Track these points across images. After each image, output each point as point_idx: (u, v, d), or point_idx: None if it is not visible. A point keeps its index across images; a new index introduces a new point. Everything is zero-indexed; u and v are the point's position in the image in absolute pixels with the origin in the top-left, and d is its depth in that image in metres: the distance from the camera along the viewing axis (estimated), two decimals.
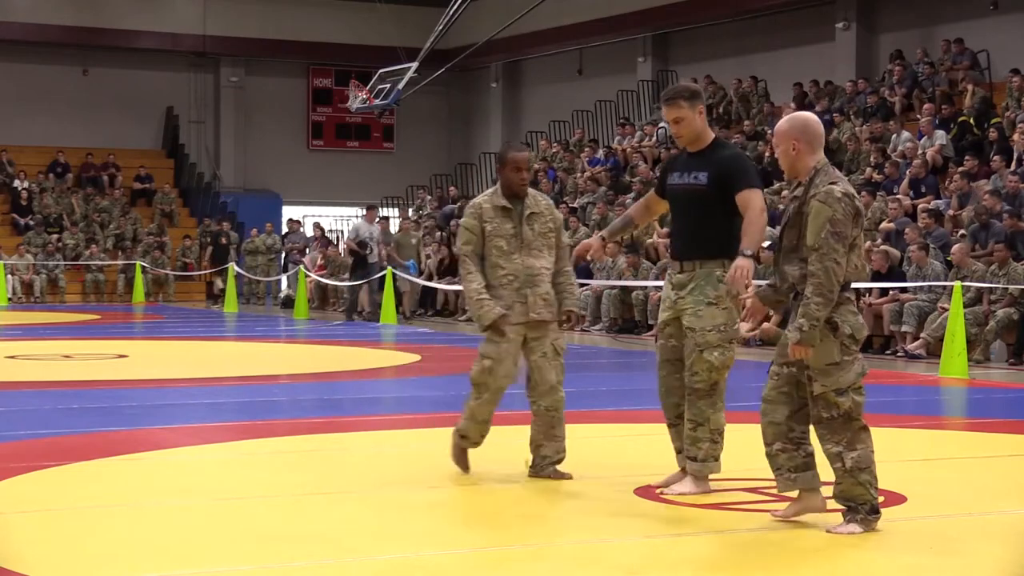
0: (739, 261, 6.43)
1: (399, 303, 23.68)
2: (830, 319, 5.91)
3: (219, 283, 29.61)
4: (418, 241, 24.75)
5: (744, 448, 7.49)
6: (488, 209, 7.22)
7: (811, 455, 6.10)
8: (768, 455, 6.13)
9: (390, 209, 32.11)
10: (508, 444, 8.67)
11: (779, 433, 6.07)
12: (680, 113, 6.85)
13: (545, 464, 7.26)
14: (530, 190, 7.34)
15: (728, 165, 6.78)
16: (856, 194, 6.04)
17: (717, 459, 6.75)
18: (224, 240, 30.24)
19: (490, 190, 7.39)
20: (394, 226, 27.25)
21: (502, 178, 7.29)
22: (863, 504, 5.94)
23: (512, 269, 7.17)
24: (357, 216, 34.74)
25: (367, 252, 23.32)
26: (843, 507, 6.00)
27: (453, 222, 27.51)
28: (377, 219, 24.67)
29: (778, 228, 6.28)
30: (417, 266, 24.18)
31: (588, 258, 7.38)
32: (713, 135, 6.99)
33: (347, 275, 24.93)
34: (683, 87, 7.03)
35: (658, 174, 7.37)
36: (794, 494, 6.19)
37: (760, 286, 6.28)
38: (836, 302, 5.90)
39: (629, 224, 7.40)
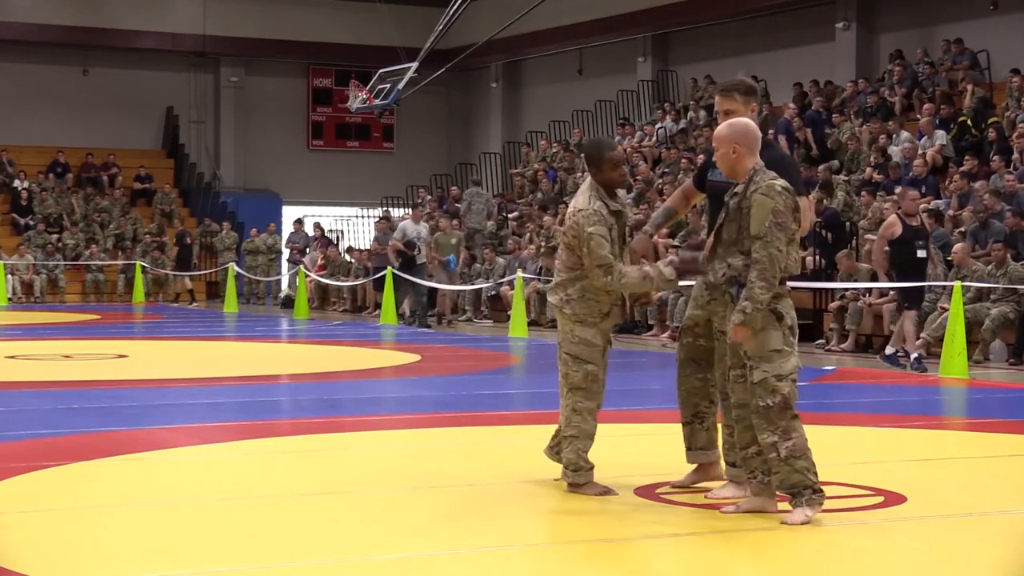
0: None
1: (432, 305, 23.08)
2: (775, 309, 6.15)
3: (187, 283, 29.86)
4: (458, 241, 23.85)
5: None
6: (606, 215, 6.81)
7: None
8: (743, 457, 6.36)
9: (390, 209, 32.07)
10: (508, 444, 8.67)
11: (756, 437, 6.24)
12: (732, 106, 6.76)
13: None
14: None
15: (771, 167, 6.53)
16: (793, 190, 6.29)
17: None
18: (188, 240, 30.38)
19: (589, 192, 6.89)
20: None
21: (602, 178, 6.89)
22: (805, 488, 6.10)
23: None
24: (358, 216, 34.76)
25: (415, 253, 22.23)
26: (787, 496, 6.15)
27: (454, 221, 27.43)
28: (423, 218, 23.41)
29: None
30: (457, 264, 23.32)
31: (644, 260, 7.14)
32: (760, 134, 6.87)
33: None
34: (740, 81, 6.93)
35: (699, 164, 7.30)
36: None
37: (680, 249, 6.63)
38: (778, 294, 6.15)
39: (671, 215, 7.29)
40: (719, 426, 6.86)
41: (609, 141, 7.38)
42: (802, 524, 6.04)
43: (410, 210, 25.77)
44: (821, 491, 6.15)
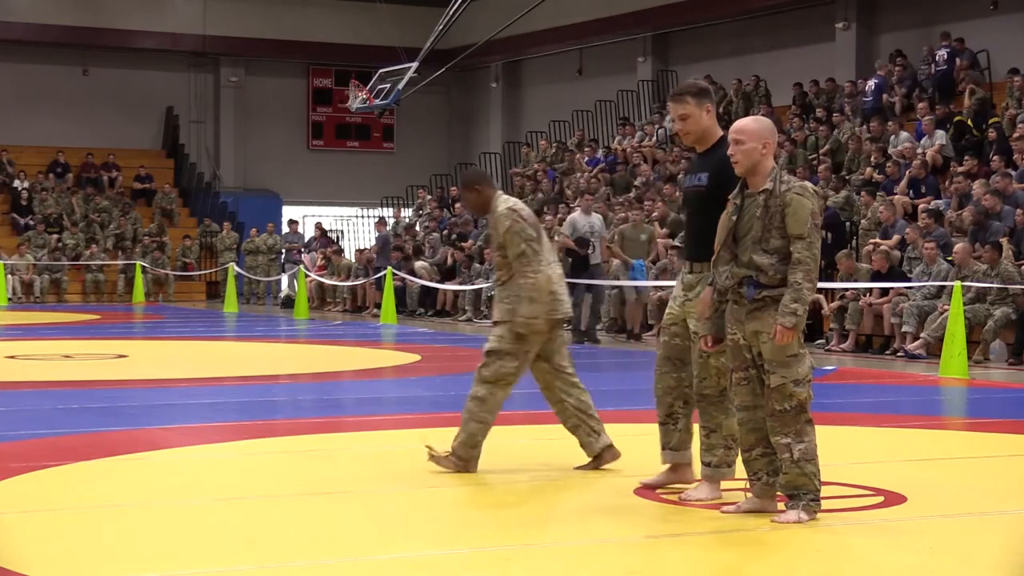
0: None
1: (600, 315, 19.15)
2: None
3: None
4: (649, 237, 19.47)
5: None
6: None
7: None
8: (746, 460, 6.33)
9: (389, 209, 32.09)
10: (508, 444, 8.67)
11: (760, 439, 6.25)
12: (686, 110, 6.79)
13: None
14: (499, 203, 7.54)
15: (724, 165, 6.71)
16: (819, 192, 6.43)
17: (731, 465, 6.71)
18: None
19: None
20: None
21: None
22: (806, 493, 6.12)
23: None
24: (358, 216, 34.76)
25: (589, 251, 18.25)
26: (786, 496, 6.17)
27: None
28: (594, 210, 19.36)
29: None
30: (646, 269, 19.12)
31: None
32: (720, 133, 6.88)
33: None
34: (691, 84, 7.02)
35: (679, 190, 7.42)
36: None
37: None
38: None
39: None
40: (696, 427, 6.88)
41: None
42: (795, 522, 6.05)
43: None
44: (819, 500, 6.16)
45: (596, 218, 18.72)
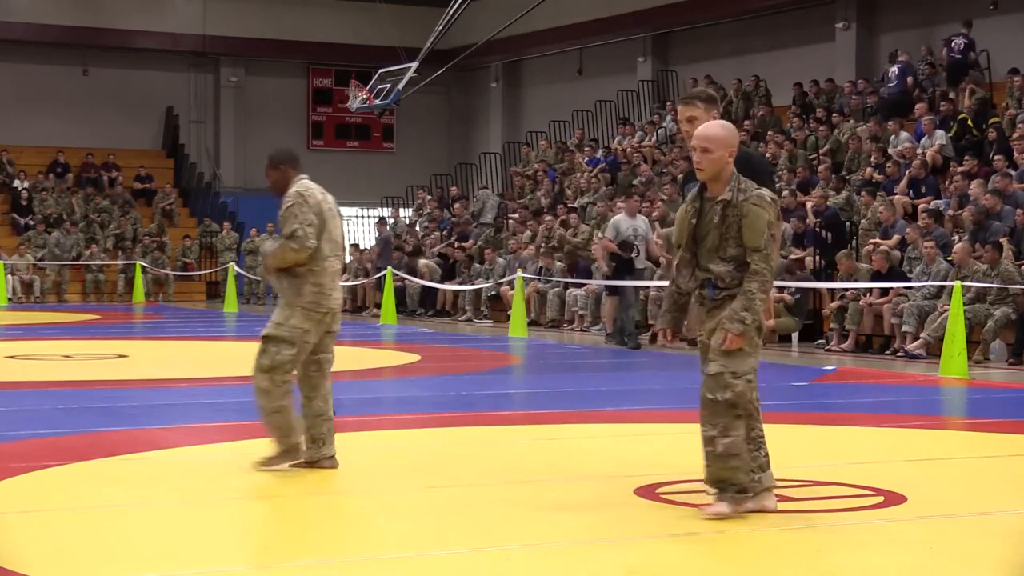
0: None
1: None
2: None
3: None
4: None
5: None
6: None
7: (768, 455, 6.33)
8: None
9: (389, 209, 32.09)
10: (508, 444, 8.68)
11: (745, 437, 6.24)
12: (694, 112, 6.79)
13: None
14: (293, 186, 7.61)
15: (741, 165, 6.67)
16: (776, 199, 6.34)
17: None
18: None
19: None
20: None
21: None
22: (732, 485, 6.14)
23: None
24: (360, 216, 34.74)
25: (633, 255, 17.78)
26: (713, 489, 6.19)
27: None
28: (639, 211, 18.73)
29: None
30: None
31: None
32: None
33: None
34: (702, 90, 7.05)
35: (678, 192, 7.36)
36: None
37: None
38: None
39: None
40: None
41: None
42: (718, 517, 6.07)
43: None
44: (747, 492, 6.17)
45: (641, 220, 18.22)
